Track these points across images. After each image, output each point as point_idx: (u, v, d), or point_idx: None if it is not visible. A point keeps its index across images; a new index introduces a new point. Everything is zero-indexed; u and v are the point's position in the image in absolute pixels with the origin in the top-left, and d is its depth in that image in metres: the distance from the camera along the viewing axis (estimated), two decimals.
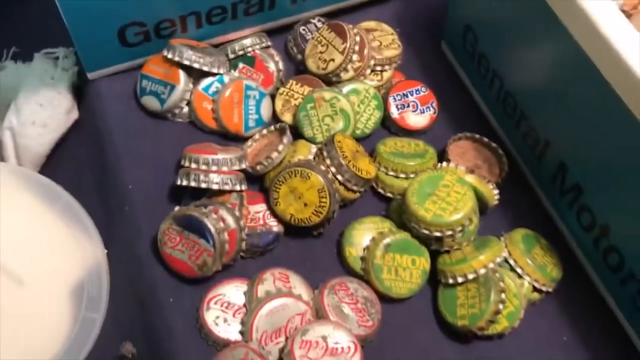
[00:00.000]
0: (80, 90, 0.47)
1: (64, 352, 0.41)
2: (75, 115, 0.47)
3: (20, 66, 0.52)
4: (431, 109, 0.45)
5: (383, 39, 0.46)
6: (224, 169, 0.38)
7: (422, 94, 0.45)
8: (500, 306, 0.36)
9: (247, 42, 0.44)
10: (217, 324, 0.35)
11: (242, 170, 0.40)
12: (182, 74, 0.42)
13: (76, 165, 0.46)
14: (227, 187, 0.38)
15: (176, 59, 0.42)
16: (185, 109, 0.43)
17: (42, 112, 0.46)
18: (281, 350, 0.34)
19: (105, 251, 0.42)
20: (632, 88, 0.31)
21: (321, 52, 0.44)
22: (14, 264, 0.42)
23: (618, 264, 0.36)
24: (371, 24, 0.47)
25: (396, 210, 0.40)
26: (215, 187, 0.37)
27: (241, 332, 0.35)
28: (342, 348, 0.34)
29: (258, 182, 0.41)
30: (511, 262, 0.38)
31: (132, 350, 0.39)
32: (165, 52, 0.42)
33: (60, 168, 0.46)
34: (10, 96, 0.50)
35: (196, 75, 0.43)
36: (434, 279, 0.39)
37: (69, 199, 0.44)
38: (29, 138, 0.47)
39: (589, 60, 0.33)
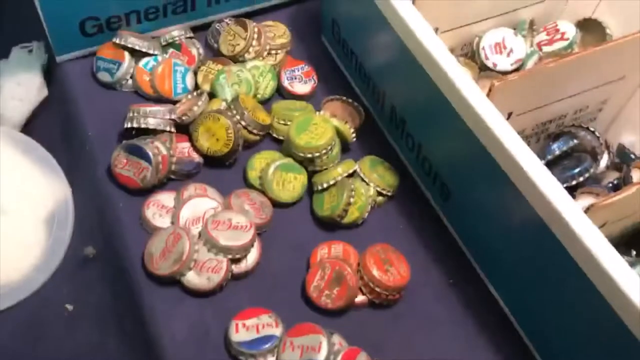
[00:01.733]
0: (49, 73, 0.62)
1: (42, 261, 0.55)
2: (45, 92, 0.62)
3: None
4: (312, 80, 0.62)
5: (277, 31, 0.63)
6: (158, 116, 0.54)
7: (305, 69, 0.62)
8: (351, 199, 0.52)
9: (175, 33, 0.61)
10: (154, 218, 0.50)
11: (172, 120, 0.55)
12: (127, 55, 0.58)
13: (47, 128, 0.61)
14: (160, 128, 0.54)
15: (122, 43, 0.58)
16: (130, 81, 0.59)
17: (19, 89, 0.61)
18: (199, 231, 0.50)
19: (70, 189, 0.57)
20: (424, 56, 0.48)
21: (230, 40, 0.61)
22: None
23: (429, 168, 0.53)
24: (269, 22, 0.64)
25: (285, 146, 0.57)
26: (151, 126, 0.53)
27: (172, 222, 0.50)
28: (242, 226, 0.49)
29: (185, 130, 0.57)
30: (361, 174, 0.54)
31: (93, 251, 0.53)
32: (115, 39, 0.58)
33: (35, 131, 0.60)
34: None
35: (137, 55, 0.59)
36: (311, 191, 0.55)
37: (41, 151, 0.58)
38: (8, 110, 0.61)
39: (405, 46, 0.49)
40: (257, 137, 0.57)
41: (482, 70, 0.55)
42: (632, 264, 0.46)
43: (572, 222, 0.39)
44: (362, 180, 0.54)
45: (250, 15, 0.65)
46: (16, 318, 0.53)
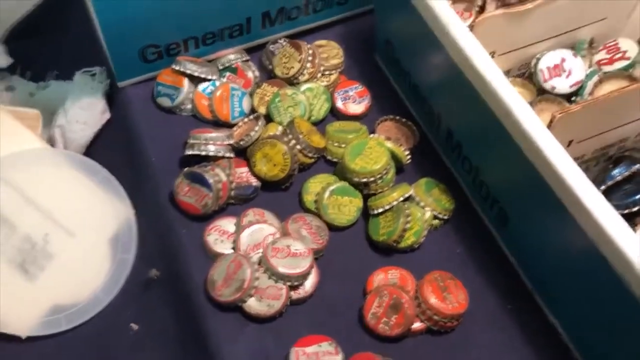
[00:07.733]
0: (110, 97, 0.64)
1: (107, 282, 0.57)
2: (107, 115, 0.64)
3: (61, 83, 0.69)
4: (366, 100, 0.62)
5: (330, 52, 0.64)
6: (217, 142, 0.55)
7: (359, 89, 0.62)
8: (407, 225, 0.52)
9: (232, 57, 0.62)
10: (215, 244, 0.52)
11: (230, 145, 0.57)
12: (185, 81, 0.60)
13: (109, 151, 0.63)
14: (219, 154, 0.55)
15: (181, 70, 0.59)
16: (189, 106, 0.60)
17: (83, 113, 0.63)
18: (259, 257, 0.51)
19: (133, 212, 0.59)
20: (478, 80, 0.47)
21: (285, 62, 0.62)
22: (66, 221, 0.58)
23: (487, 193, 0.53)
24: (322, 42, 0.65)
25: (339, 169, 0.57)
26: (211, 154, 0.54)
27: (232, 248, 0.52)
28: (300, 252, 0.50)
29: (242, 154, 0.58)
30: (417, 198, 0.55)
31: (157, 273, 0.55)
32: (174, 66, 0.59)
33: (98, 153, 0.63)
34: (54, 106, 0.66)
35: (196, 81, 0.60)
36: (366, 214, 0.56)
37: (105, 173, 0.60)
38: (73, 133, 0.63)
39: (460, 70, 0.49)
40: (312, 160, 0.57)
41: (540, 92, 0.54)
42: None
43: (629, 253, 0.39)
44: (418, 204, 0.55)
45: (302, 33, 0.66)
46: (83, 338, 0.55)
